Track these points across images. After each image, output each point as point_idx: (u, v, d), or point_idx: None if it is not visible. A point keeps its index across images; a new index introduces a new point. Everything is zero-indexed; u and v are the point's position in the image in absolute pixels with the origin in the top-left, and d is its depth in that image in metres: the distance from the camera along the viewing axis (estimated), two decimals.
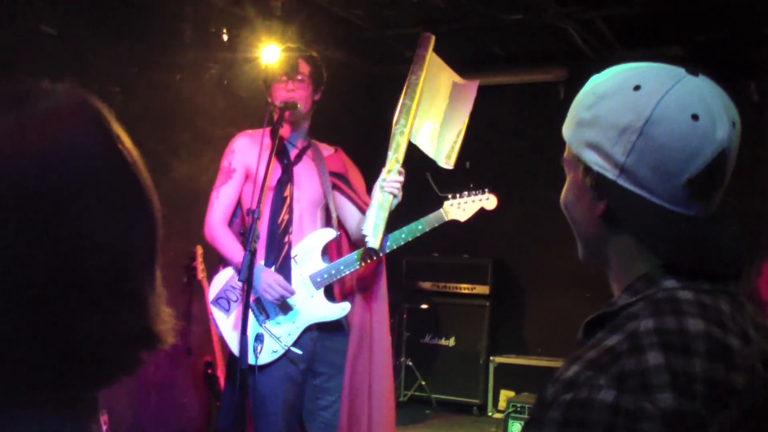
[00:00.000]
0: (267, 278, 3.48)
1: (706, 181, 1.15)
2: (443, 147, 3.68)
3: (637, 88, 1.17)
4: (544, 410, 1.07)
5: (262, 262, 3.56)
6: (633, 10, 6.18)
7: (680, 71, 1.19)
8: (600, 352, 1.09)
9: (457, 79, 3.74)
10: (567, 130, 1.27)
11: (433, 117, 3.65)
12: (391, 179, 3.52)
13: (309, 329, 3.61)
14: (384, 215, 3.52)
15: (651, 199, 1.16)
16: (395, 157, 3.56)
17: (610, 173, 1.18)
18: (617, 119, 1.17)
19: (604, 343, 1.11)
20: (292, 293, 3.53)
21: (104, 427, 4.85)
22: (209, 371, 5.54)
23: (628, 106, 1.17)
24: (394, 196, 3.54)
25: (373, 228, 3.50)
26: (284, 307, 3.58)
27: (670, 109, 1.14)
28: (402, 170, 3.56)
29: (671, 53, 6.75)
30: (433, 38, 3.66)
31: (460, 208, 3.72)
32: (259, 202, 3.26)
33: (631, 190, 1.17)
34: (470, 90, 3.66)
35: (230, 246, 3.56)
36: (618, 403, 1.02)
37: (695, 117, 1.13)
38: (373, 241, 3.48)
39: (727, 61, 6.48)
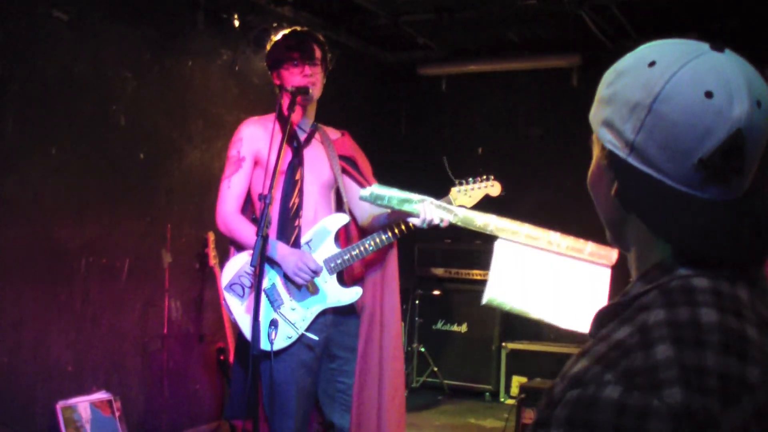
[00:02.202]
0: (298, 261, 3.47)
1: (721, 163, 1.08)
2: (504, 290, 3.60)
3: (652, 64, 1.14)
4: (552, 408, 1.03)
5: (273, 241, 3.54)
6: None
7: (703, 47, 1.15)
8: (608, 347, 1.05)
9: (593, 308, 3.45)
10: (591, 109, 1.24)
11: (534, 273, 3.57)
12: (435, 211, 3.52)
13: (322, 314, 3.61)
14: (395, 204, 3.52)
15: (662, 179, 1.11)
16: (459, 215, 3.55)
17: (621, 152, 1.14)
18: (630, 96, 1.14)
19: (613, 337, 1.06)
20: (320, 272, 3.53)
21: (117, 414, 4.87)
22: (221, 357, 5.55)
23: (640, 82, 1.13)
24: (417, 217, 3.54)
25: (376, 196, 3.51)
26: (299, 293, 3.58)
27: (682, 86, 1.10)
28: (447, 223, 3.56)
29: (687, 40, 6.70)
30: (613, 258, 3.48)
31: (467, 194, 3.71)
32: (270, 188, 3.24)
33: (642, 170, 1.12)
34: (581, 323, 3.45)
35: (249, 233, 3.51)
36: (624, 400, 0.97)
37: (709, 94, 1.08)
38: (367, 194, 3.52)
39: (743, 47, 6.42)
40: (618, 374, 1.00)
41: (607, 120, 1.17)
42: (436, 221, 3.53)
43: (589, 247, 3.46)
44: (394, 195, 3.52)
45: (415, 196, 3.54)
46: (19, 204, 4.62)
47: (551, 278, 3.49)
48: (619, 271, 3.54)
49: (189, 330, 5.75)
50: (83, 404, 4.78)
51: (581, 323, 3.40)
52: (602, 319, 1.15)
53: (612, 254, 3.47)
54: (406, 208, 3.53)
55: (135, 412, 5.31)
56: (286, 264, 3.49)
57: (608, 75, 1.21)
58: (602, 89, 1.21)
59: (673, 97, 1.10)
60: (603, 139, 1.18)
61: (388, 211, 3.62)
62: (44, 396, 4.71)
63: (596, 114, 1.21)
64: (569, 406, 1.01)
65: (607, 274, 3.49)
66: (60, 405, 4.67)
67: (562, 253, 3.46)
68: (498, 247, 3.60)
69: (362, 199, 3.56)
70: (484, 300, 3.56)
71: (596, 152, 1.24)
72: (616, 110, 1.16)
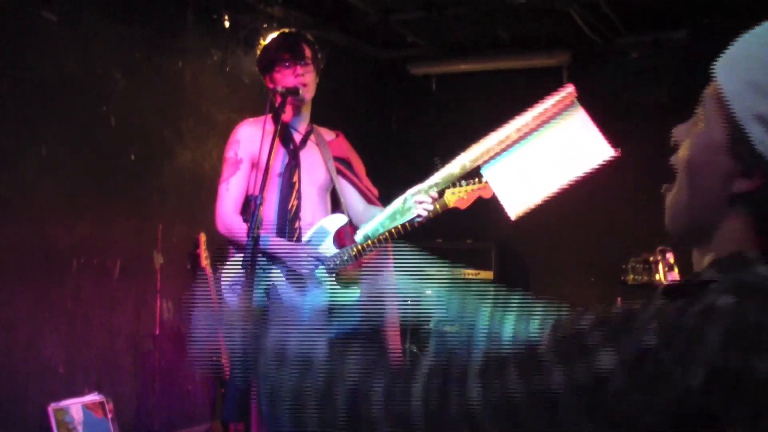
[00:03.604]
0: (301, 252, 3.48)
1: None
2: (518, 196, 3.46)
3: None
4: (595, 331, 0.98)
5: (267, 236, 3.54)
6: None
7: None
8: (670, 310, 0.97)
9: (593, 140, 3.30)
10: (728, 77, 1.10)
11: (526, 163, 3.45)
12: (422, 197, 3.51)
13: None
14: (389, 225, 3.52)
15: None
16: (437, 182, 3.53)
17: None
18: None
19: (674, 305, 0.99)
20: (324, 261, 3.54)
21: (110, 415, 4.85)
22: (214, 359, 5.54)
23: None
24: (419, 216, 3.55)
25: (371, 231, 3.52)
26: (300, 293, 3.58)
27: None
28: (436, 195, 3.56)
29: (676, 36, 6.71)
30: (572, 93, 3.33)
31: (460, 195, 3.71)
32: (261, 189, 3.24)
33: None
34: (598, 155, 3.24)
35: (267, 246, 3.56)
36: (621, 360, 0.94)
37: None
38: (360, 237, 3.52)
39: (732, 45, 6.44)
40: (662, 329, 0.95)
41: (764, 116, 1.05)
42: (431, 201, 3.53)
43: (547, 102, 3.38)
44: (383, 219, 3.54)
45: (396, 203, 3.54)
46: (10, 203, 4.61)
47: (541, 156, 3.40)
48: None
49: (181, 330, 5.73)
50: (75, 406, 4.76)
51: (586, 164, 3.27)
52: (668, 294, 1.05)
53: (567, 88, 3.38)
54: (400, 220, 3.54)
55: (127, 412, 5.30)
56: (291, 256, 3.49)
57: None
58: (761, 72, 1.07)
59: None
60: (755, 138, 1.05)
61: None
62: (36, 397, 4.69)
63: (745, 98, 1.07)
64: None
65: (578, 109, 3.37)
66: (52, 407, 4.65)
67: (535, 128, 3.37)
68: (486, 175, 3.51)
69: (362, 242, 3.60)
70: (513, 217, 3.45)
71: (713, 124, 1.12)
72: None
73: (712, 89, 1.12)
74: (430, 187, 3.53)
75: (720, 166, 1.08)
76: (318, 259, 3.50)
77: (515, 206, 3.38)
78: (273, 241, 3.53)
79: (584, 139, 3.29)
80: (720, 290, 0.98)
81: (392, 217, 3.53)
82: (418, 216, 3.55)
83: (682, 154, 1.15)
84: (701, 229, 1.13)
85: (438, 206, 3.65)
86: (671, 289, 1.05)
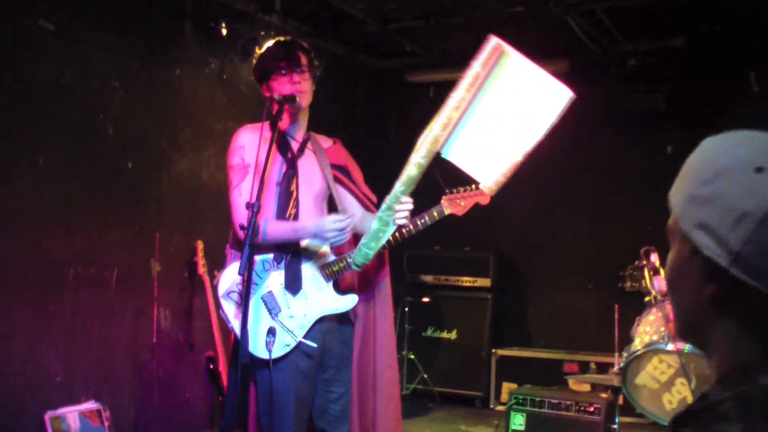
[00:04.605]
0: (326, 225, 3.46)
1: None
2: (490, 167, 3.29)
3: (759, 170, 1.09)
4: None
5: (266, 221, 3.53)
6: (635, 1, 6.16)
7: None
8: None
9: (546, 85, 3.08)
10: (675, 200, 1.19)
11: (485, 133, 3.26)
12: (401, 210, 3.46)
13: (318, 321, 3.60)
14: (376, 246, 3.50)
15: (763, 290, 1.07)
16: (401, 189, 3.43)
17: (723, 260, 1.09)
18: (736, 204, 1.09)
19: None
20: (352, 219, 3.51)
21: (107, 423, 4.85)
22: (211, 366, 5.54)
23: (749, 190, 1.09)
24: (402, 226, 3.51)
25: (359, 259, 3.51)
26: (297, 300, 3.57)
27: None
28: (409, 200, 3.47)
29: (674, 44, 6.73)
30: (498, 46, 3.17)
31: (457, 202, 3.70)
32: (258, 196, 3.23)
33: (745, 280, 1.08)
34: (556, 100, 3.02)
35: (277, 230, 3.53)
36: None
37: None
38: (353, 266, 3.52)
39: (729, 51, 6.47)
40: None
41: (706, 224, 1.12)
42: (404, 209, 3.47)
43: (475, 66, 3.25)
44: (367, 242, 3.51)
45: (374, 225, 3.50)
46: (7, 214, 4.61)
47: (498, 120, 3.24)
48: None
49: (179, 339, 5.73)
50: (72, 414, 4.75)
51: (548, 114, 3.05)
52: (678, 424, 1.10)
53: (491, 41, 3.23)
54: (384, 238, 3.51)
55: (125, 421, 5.29)
56: (322, 229, 3.46)
57: (702, 171, 1.16)
58: (695, 185, 1.16)
59: None
60: (700, 244, 1.12)
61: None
62: (34, 406, 4.69)
63: (687, 211, 1.16)
64: None
65: (514, 58, 3.21)
66: (48, 415, 4.64)
67: (475, 96, 3.24)
68: (449, 157, 3.35)
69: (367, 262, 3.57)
70: (487, 190, 3.31)
71: (678, 245, 1.20)
72: (718, 216, 1.11)
73: (672, 216, 1.22)
74: (396, 197, 3.45)
75: (690, 279, 1.18)
76: (344, 219, 3.46)
77: (490, 178, 3.22)
78: (272, 225, 3.51)
79: (535, 87, 3.13)
80: (726, 415, 1.04)
81: (375, 238, 3.50)
82: (402, 227, 3.51)
83: (666, 272, 1.26)
84: (697, 332, 1.21)
85: (435, 213, 3.64)
86: (680, 419, 1.10)
